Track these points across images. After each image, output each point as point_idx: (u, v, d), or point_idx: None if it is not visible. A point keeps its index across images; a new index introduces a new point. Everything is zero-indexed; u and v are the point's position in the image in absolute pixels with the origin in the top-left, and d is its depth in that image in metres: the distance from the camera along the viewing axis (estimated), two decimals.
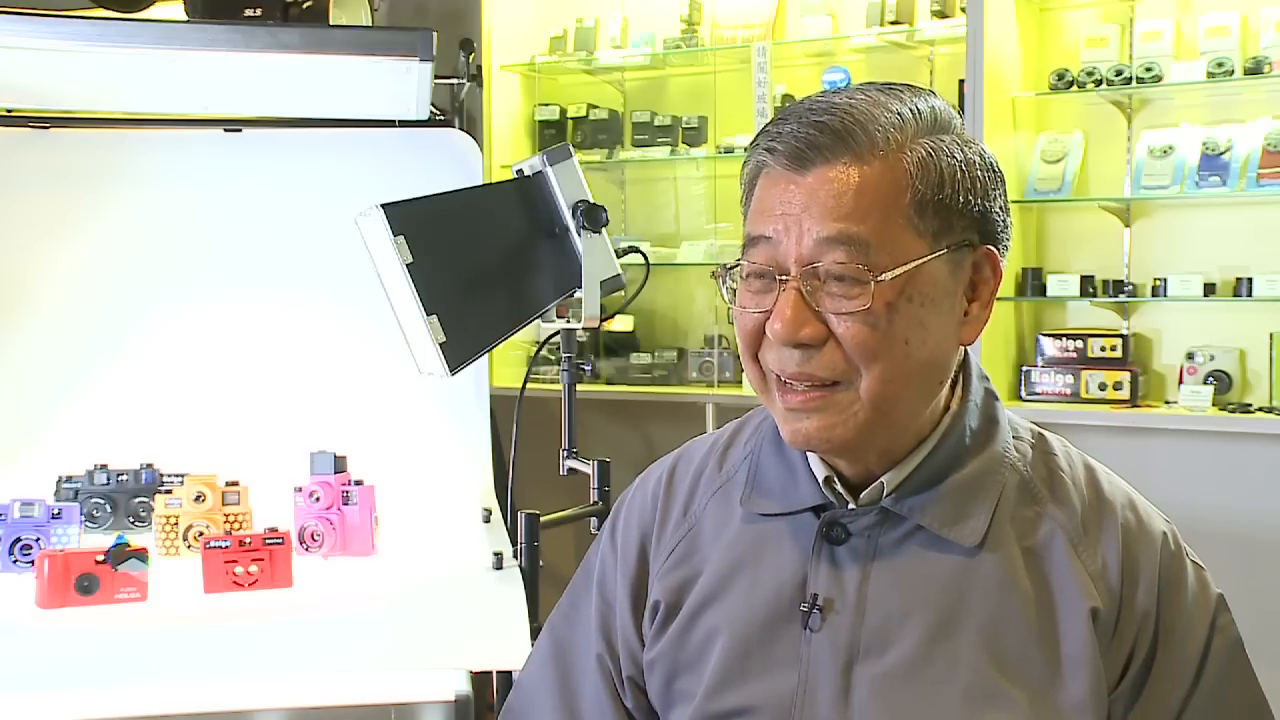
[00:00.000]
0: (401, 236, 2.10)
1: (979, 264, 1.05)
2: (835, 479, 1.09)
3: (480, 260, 2.24)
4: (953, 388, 1.10)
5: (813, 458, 1.10)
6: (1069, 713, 1.00)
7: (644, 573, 1.18)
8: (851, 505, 1.08)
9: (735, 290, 1.06)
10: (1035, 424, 1.16)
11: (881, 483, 1.07)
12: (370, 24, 3.28)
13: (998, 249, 1.06)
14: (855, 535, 1.07)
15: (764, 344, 1.04)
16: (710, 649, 1.10)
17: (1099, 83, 3.32)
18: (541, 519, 2.22)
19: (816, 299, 1.00)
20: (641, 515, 1.21)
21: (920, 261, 1.00)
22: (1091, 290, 3.36)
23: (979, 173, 1.04)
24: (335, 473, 2.41)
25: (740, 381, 3.79)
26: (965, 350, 1.12)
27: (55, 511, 2.33)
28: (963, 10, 3.36)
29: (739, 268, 1.05)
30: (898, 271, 0.99)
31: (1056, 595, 1.03)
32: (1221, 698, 1.05)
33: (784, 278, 1.01)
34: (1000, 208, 1.06)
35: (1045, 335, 3.43)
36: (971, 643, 1.02)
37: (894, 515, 1.06)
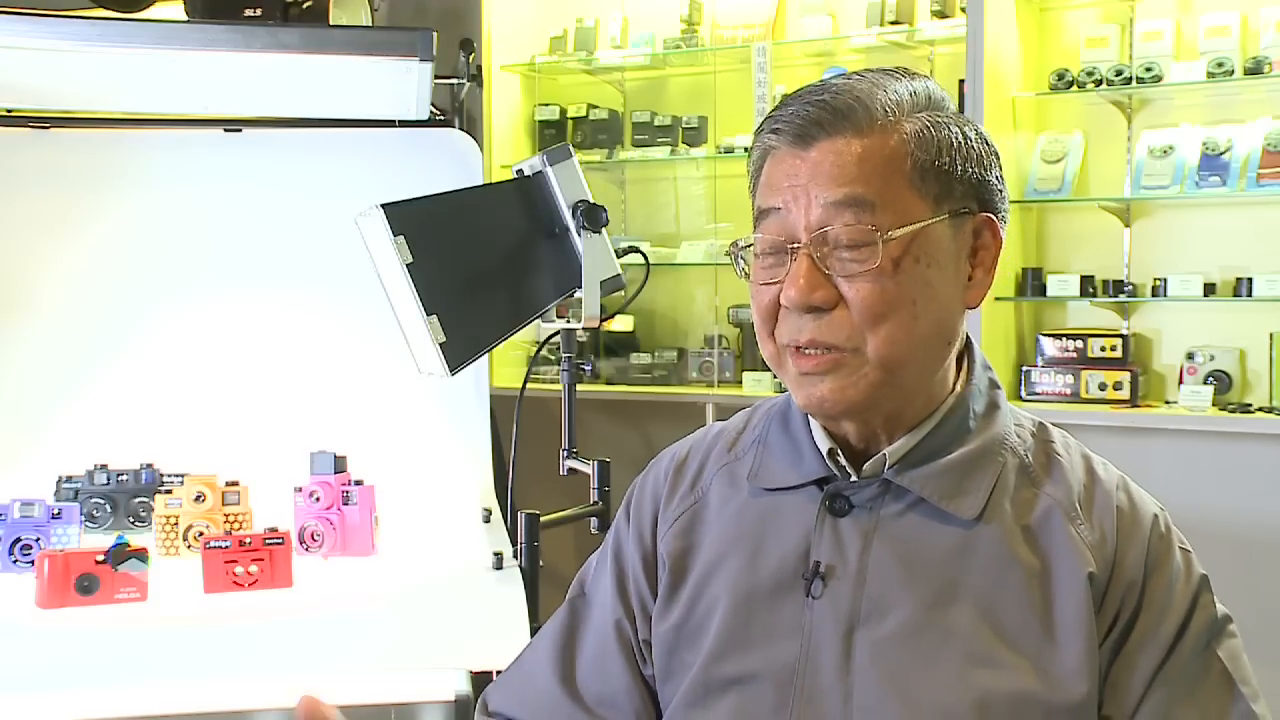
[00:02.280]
0: (401, 236, 2.10)
1: (979, 230, 1.09)
2: (839, 452, 1.11)
3: (480, 260, 2.24)
4: (958, 370, 1.13)
5: (817, 432, 1.13)
6: (1064, 678, 1.02)
7: (655, 537, 1.21)
8: (855, 478, 1.10)
9: (748, 268, 1.10)
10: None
11: (884, 455, 1.09)
12: (370, 24, 3.27)
13: (996, 218, 1.10)
14: (858, 507, 1.10)
15: (779, 318, 1.08)
16: (712, 618, 1.12)
17: (1099, 83, 3.32)
18: (541, 519, 2.22)
19: (827, 264, 1.04)
20: (655, 488, 1.24)
21: (924, 224, 1.04)
22: (1091, 290, 3.36)
23: (975, 144, 1.08)
24: (335, 473, 2.41)
25: (740, 381, 3.79)
26: (970, 338, 1.15)
27: (55, 511, 2.33)
28: (963, 10, 3.36)
29: (752, 245, 1.09)
30: (904, 230, 1.03)
31: (1054, 566, 1.06)
32: (1196, 670, 1.06)
33: (795, 246, 1.05)
34: (997, 178, 1.10)
35: (1045, 335, 3.43)
36: (969, 611, 1.04)
37: (895, 488, 1.09)
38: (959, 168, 1.06)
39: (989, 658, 1.03)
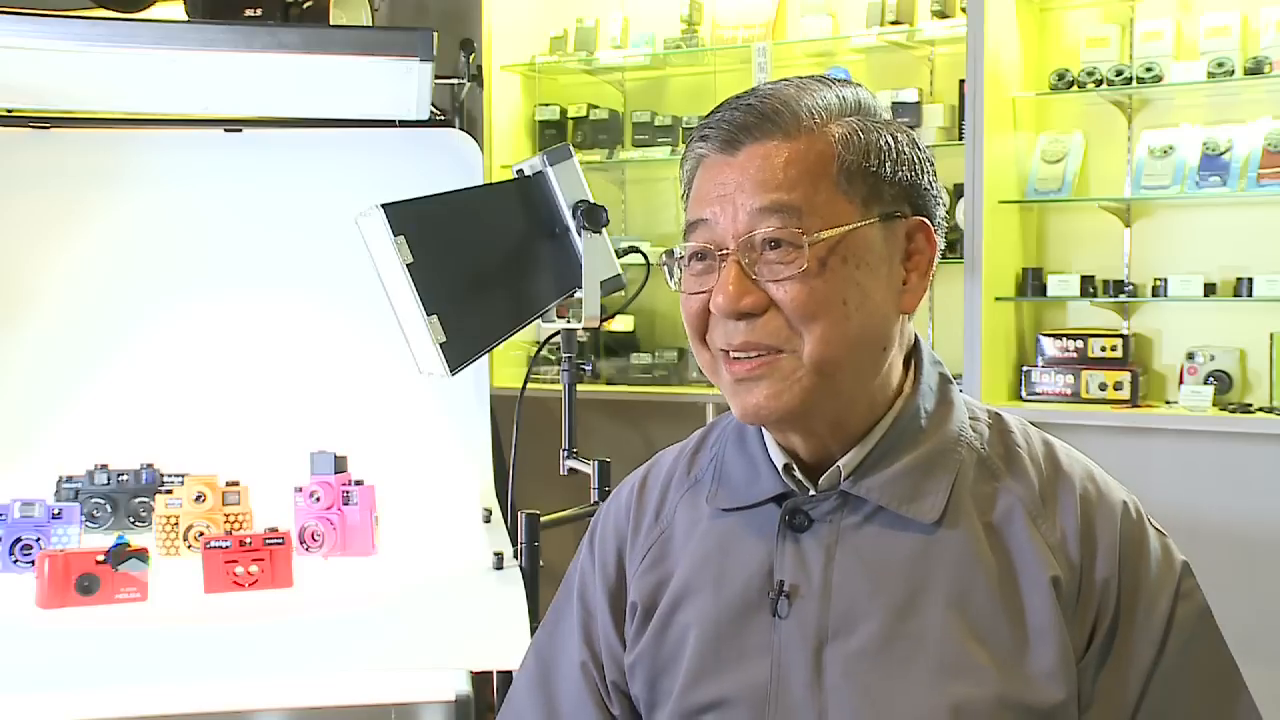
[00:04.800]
0: (401, 236, 2.10)
1: (912, 234, 1.08)
2: (794, 467, 1.10)
3: (480, 260, 2.24)
4: (905, 372, 1.12)
5: (772, 448, 1.12)
6: (1038, 681, 1.01)
7: (622, 578, 1.20)
8: (812, 492, 1.10)
9: (679, 279, 1.11)
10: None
11: (839, 467, 1.08)
12: (370, 24, 3.28)
13: (931, 223, 1.09)
14: (818, 521, 1.09)
15: (710, 324, 1.08)
16: (684, 646, 1.11)
17: (1099, 83, 3.32)
18: (542, 519, 2.22)
19: (755, 269, 1.04)
20: (617, 524, 1.23)
21: (852, 227, 1.04)
22: (1092, 290, 3.36)
23: (905, 149, 1.08)
24: (335, 473, 2.41)
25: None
26: (916, 335, 1.14)
27: (56, 511, 2.33)
28: (963, 10, 3.36)
29: (682, 256, 1.10)
30: (830, 232, 1.03)
31: (1018, 567, 1.05)
32: (1189, 663, 1.05)
33: (723, 252, 1.05)
34: (929, 183, 1.09)
35: (1045, 335, 3.42)
36: (938, 617, 1.03)
37: (854, 498, 1.08)
38: (888, 170, 1.06)
39: (962, 663, 1.02)
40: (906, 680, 1.02)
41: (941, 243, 1.10)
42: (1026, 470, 1.09)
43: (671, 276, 1.12)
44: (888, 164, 1.05)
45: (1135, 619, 1.05)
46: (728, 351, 1.07)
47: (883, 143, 1.06)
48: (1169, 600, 1.06)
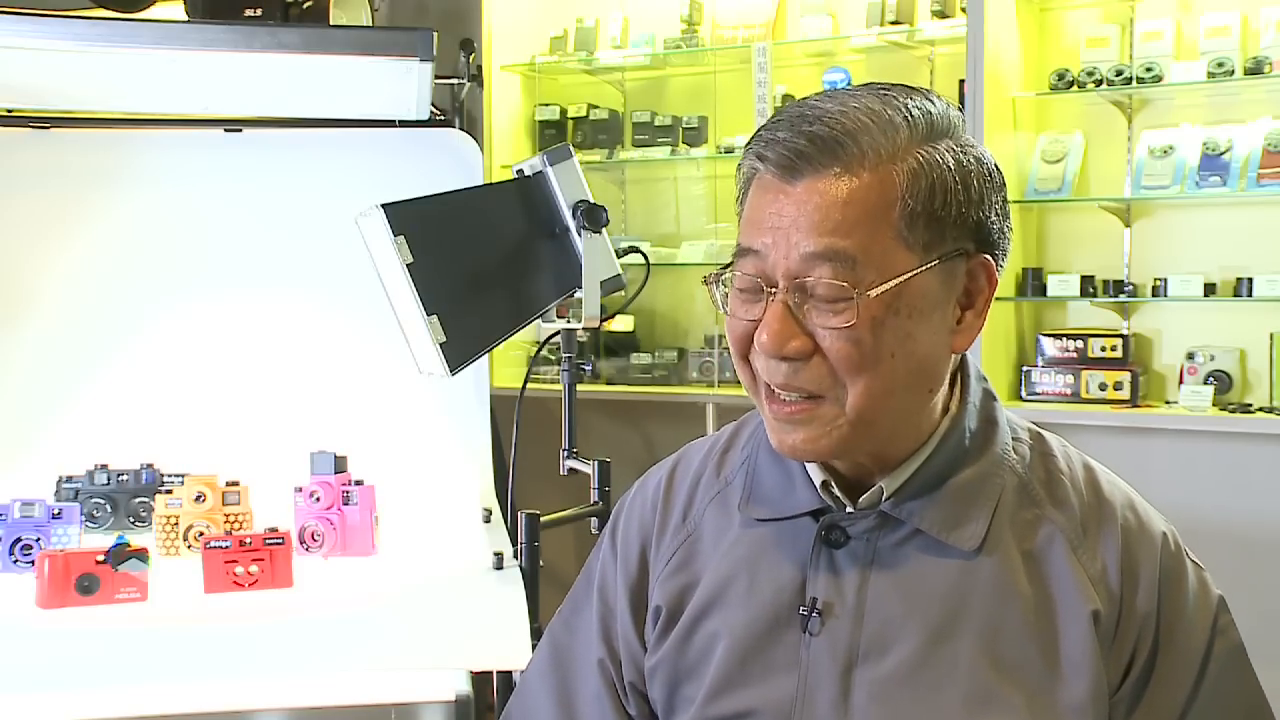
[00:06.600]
0: (402, 236, 2.10)
1: (974, 272, 1.04)
2: (832, 483, 1.09)
3: (480, 260, 2.24)
4: (951, 389, 1.09)
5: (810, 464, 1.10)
6: (1067, 715, 1.00)
7: (644, 577, 1.18)
8: (850, 509, 1.08)
9: (726, 295, 1.06)
10: (1035, 424, 1.16)
11: (880, 487, 1.06)
12: (370, 24, 3.28)
13: (994, 255, 1.05)
14: (854, 539, 1.07)
15: (753, 349, 1.04)
16: (711, 655, 1.10)
17: (1099, 83, 3.32)
18: (542, 519, 2.22)
19: (803, 312, 1.00)
20: (642, 520, 1.20)
21: (908, 275, 0.99)
22: (1092, 290, 3.36)
23: (974, 180, 1.02)
24: (335, 473, 2.41)
25: (740, 381, 3.78)
26: (965, 355, 1.11)
27: (55, 511, 2.33)
28: (963, 10, 3.36)
29: (728, 275, 1.05)
30: (884, 287, 0.98)
31: (1056, 598, 1.03)
32: (1222, 700, 1.05)
33: (772, 290, 1.01)
34: (997, 214, 1.04)
35: (1045, 335, 3.43)
36: (970, 646, 1.02)
37: (893, 519, 1.06)
38: (954, 210, 1.00)
39: (990, 695, 1.00)
40: (934, 708, 1.01)
41: (1003, 268, 1.06)
42: (1068, 497, 1.07)
43: (715, 292, 1.07)
44: (954, 204, 1.00)
45: (1172, 654, 1.04)
46: (769, 385, 1.04)
47: (950, 179, 1.00)
48: (1206, 636, 1.05)
